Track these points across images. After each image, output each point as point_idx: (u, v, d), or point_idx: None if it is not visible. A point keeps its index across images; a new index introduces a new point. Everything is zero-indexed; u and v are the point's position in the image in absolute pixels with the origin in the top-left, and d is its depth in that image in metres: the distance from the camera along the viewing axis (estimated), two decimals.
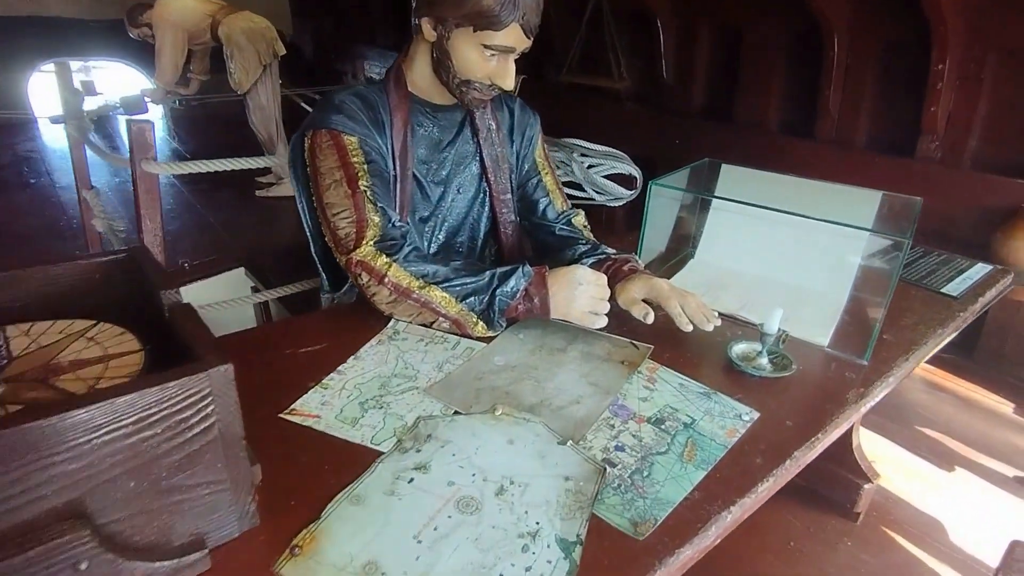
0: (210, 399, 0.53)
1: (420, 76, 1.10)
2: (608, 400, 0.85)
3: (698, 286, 1.20)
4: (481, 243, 1.29)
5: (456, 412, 0.81)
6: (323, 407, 0.81)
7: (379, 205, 1.01)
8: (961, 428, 2.13)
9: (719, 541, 0.68)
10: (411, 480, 0.69)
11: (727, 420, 0.82)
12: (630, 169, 3.53)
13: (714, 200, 1.27)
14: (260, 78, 3.72)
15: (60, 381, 0.59)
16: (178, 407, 0.52)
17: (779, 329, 0.94)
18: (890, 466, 1.93)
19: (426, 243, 1.21)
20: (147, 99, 3.94)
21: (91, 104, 4.85)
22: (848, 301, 1.12)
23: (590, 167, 3.57)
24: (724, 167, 1.30)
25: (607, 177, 3.57)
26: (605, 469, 0.71)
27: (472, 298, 0.98)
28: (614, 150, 3.51)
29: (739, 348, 0.98)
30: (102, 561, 0.50)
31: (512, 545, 0.61)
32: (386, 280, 0.97)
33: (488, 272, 0.99)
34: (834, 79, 2.64)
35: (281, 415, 0.78)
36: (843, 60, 2.62)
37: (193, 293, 2.08)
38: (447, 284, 0.98)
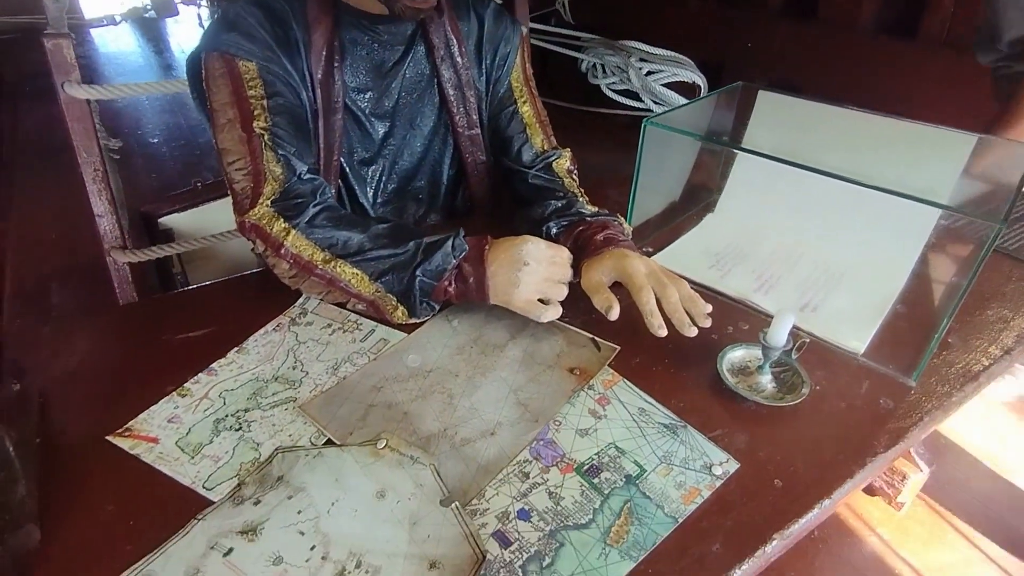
0: None
1: None
2: (534, 432, 0.64)
3: (709, 252, 0.94)
4: (446, 188, 1.06)
5: (328, 442, 0.63)
6: (168, 426, 0.64)
7: (280, 153, 0.79)
8: None
9: None
10: (228, 552, 0.52)
11: (691, 474, 0.60)
12: (693, 76, 3.08)
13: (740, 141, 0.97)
14: None
15: None
16: None
17: (789, 340, 0.69)
18: (958, 437, 1.64)
19: (372, 192, 0.99)
20: (177, 1, 3.76)
21: (128, 6, 4.74)
22: (902, 293, 0.83)
23: (648, 74, 3.15)
24: (761, 94, 0.98)
25: (667, 86, 3.15)
26: (484, 557, 0.52)
27: (389, 276, 0.77)
28: (677, 55, 3.07)
29: (735, 356, 0.74)
30: None
31: None
32: (283, 251, 0.77)
33: (413, 243, 0.77)
34: None
35: (109, 437, 0.63)
36: None
37: (205, 215, 1.98)
38: (359, 258, 0.77)
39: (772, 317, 0.70)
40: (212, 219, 1.94)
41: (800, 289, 0.86)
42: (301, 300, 0.83)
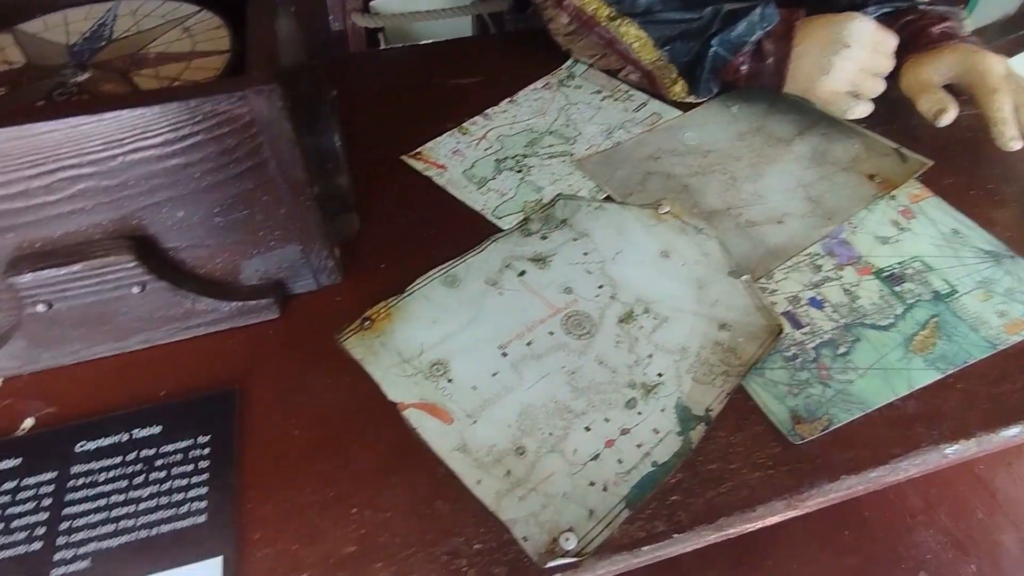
0: (255, 129, 0.41)
1: None
2: (827, 229, 0.59)
3: None
4: None
5: (608, 198, 0.62)
6: (453, 156, 0.67)
7: None
8: None
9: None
10: (522, 273, 0.55)
11: (1017, 306, 0.53)
12: None
13: None
14: None
15: (139, 76, 0.50)
16: (214, 133, 0.41)
17: None
18: None
19: None
20: None
21: None
22: None
23: None
24: None
25: None
26: (781, 329, 0.50)
27: (678, 43, 0.70)
28: None
29: None
30: (158, 288, 0.46)
31: (615, 395, 0.47)
32: (566, 2, 0.72)
33: (711, 8, 0.68)
34: None
35: (403, 157, 0.66)
36: None
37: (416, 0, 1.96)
38: (647, 18, 0.70)
39: None
40: (422, 4, 1.91)
41: None
42: (568, 64, 0.79)
